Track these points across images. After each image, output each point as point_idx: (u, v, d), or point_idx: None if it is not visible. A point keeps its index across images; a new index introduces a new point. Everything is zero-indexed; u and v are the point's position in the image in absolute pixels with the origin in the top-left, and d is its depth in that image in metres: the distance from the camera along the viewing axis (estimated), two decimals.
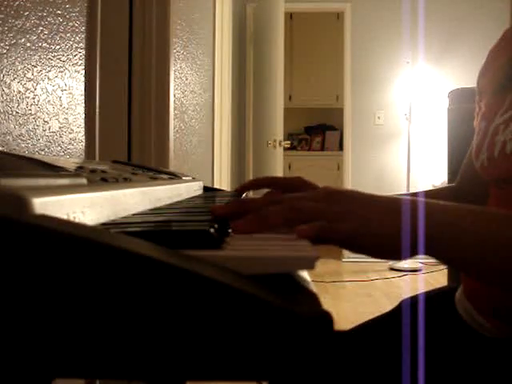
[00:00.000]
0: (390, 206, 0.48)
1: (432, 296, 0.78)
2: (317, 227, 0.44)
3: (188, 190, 0.90)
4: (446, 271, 2.23)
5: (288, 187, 0.65)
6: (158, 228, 0.42)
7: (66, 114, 1.09)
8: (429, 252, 0.48)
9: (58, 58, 1.05)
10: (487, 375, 0.60)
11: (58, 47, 1.05)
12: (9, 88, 0.87)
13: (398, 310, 0.77)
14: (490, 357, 0.62)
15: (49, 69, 1.01)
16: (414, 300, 0.77)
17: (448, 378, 0.63)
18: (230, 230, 0.45)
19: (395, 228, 0.47)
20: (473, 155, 0.71)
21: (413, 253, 0.47)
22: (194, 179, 1.07)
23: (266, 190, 0.65)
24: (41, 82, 0.98)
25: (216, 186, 2.85)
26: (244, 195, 0.79)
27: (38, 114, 0.97)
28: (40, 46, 0.98)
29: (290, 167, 6.09)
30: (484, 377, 0.61)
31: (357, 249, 0.48)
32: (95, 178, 0.55)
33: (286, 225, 0.46)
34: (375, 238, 0.46)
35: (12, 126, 0.88)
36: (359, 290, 3.59)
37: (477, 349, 0.64)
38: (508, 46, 0.71)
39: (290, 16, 6.12)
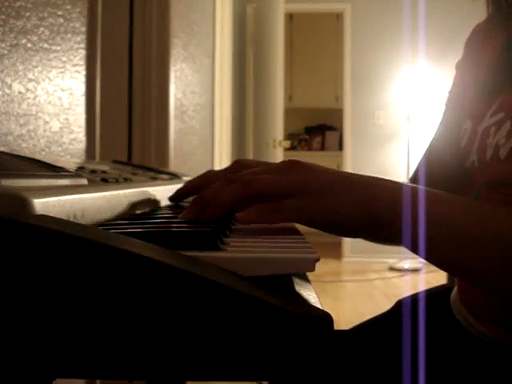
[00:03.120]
0: (353, 181, 0.47)
1: (430, 295, 0.77)
2: (258, 212, 0.44)
3: None
4: None
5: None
6: (158, 229, 0.42)
7: (67, 114, 1.10)
8: (390, 233, 0.47)
9: (59, 59, 1.05)
10: (481, 378, 0.60)
11: (58, 48, 1.05)
12: (10, 88, 0.87)
13: (396, 309, 0.77)
14: (484, 360, 0.62)
15: (49, 69, 1.01)
16: (412, 299, 0.77)
17: (444, 380, 0.62)
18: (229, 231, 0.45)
19: (352, 204, 0.45)
20: (461, 154, 0.69)
21: (368, 233, 0.46)
22: None
23: None
24: (41, 82, 0.98)
25: None
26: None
27: (39, 114, 0.98)
28: (41, 47, 0.98)
29: None
30: (479, 380, 0.60)
31: (307, 224, 0.46)
32: (95, 179, 0.55)
33: (241, 203, 0.46)
34: (327, 214, 0.45)
35: (13, 126, 0.89)
36: (359, 290, 3.59)
37: (471, 351, 0.64)
38: (492, 42, 0.70)
39: (290, 16, 6.11)
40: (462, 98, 0.73)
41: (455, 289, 0.73)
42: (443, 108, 0.79)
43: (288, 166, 0.48)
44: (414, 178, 0.80)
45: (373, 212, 0.46)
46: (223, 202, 0.46)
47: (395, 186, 0.47)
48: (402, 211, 0.45)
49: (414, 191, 0.47)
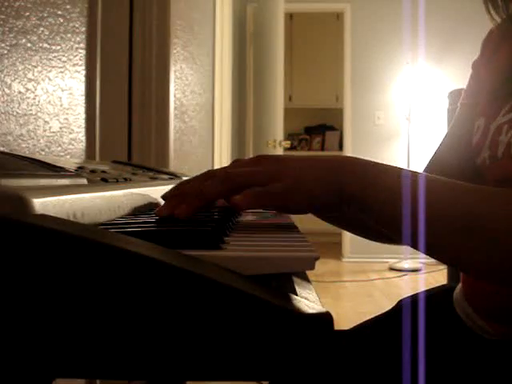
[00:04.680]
0: (330, 162, 0.48)
1: (431, 295, 0.77)
2: (250, 195, 0.45)
3: None
4: (445, 271, 2.23)
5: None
6: (158, 228, 0.42)
7: (67, 114, 1.09)
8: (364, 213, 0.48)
9: (59, 59, 1.05)
10: (485, 376, 0.60)
11: (58, 48, 1.05)
12: (9, 88, 0.87)
13: (397, 309, 0.76)
14: (487, 358, 0.62)
15: (49, 69, 1.01)
16: (413, 299, 0.77)
17: (446, 379, 0.62)
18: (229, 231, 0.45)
19: (329, 184, 0.47)
20: (473, 151, 0.70)
21: (342, 210, 0.48)
22: None
23: None
24: (41, 82, 0.98)
25: None
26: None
27: (39, 114, 0.98)
28: (40, 47, 0.98)
29: None
30: (482, 378, 0.60)
31: (293, 207, 0.47)
32: (95, 178, 0.55)
33: (223, 196, 0.47)
34: (309, 193, 0.46)
35: (13, 126, 0.89)
36: (359, 290, 3.59)
37: (475, 350, 0.64)
38: (508, 43, 0.70)
39: (290, 16, 6.11)
40: (477, 96, 0.74)
41: (459, 286, 0.72)
42: (457, 107, 0.79)
43: (259, 158, 0.50)
44: None
45: (342, 187, 0.47)
46: (204, 194, 0.47)
47: (363, 162, 0.49)
48: (370, 185, 0.47)
49: (386, 166, 0.49)
